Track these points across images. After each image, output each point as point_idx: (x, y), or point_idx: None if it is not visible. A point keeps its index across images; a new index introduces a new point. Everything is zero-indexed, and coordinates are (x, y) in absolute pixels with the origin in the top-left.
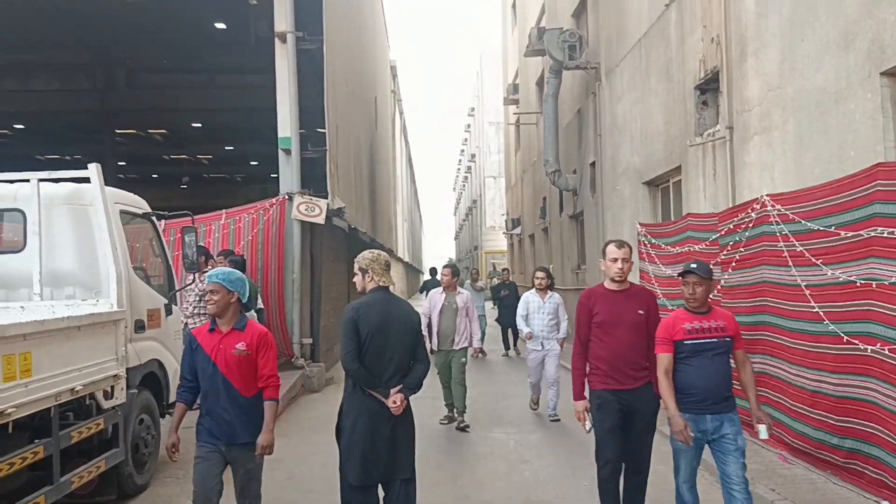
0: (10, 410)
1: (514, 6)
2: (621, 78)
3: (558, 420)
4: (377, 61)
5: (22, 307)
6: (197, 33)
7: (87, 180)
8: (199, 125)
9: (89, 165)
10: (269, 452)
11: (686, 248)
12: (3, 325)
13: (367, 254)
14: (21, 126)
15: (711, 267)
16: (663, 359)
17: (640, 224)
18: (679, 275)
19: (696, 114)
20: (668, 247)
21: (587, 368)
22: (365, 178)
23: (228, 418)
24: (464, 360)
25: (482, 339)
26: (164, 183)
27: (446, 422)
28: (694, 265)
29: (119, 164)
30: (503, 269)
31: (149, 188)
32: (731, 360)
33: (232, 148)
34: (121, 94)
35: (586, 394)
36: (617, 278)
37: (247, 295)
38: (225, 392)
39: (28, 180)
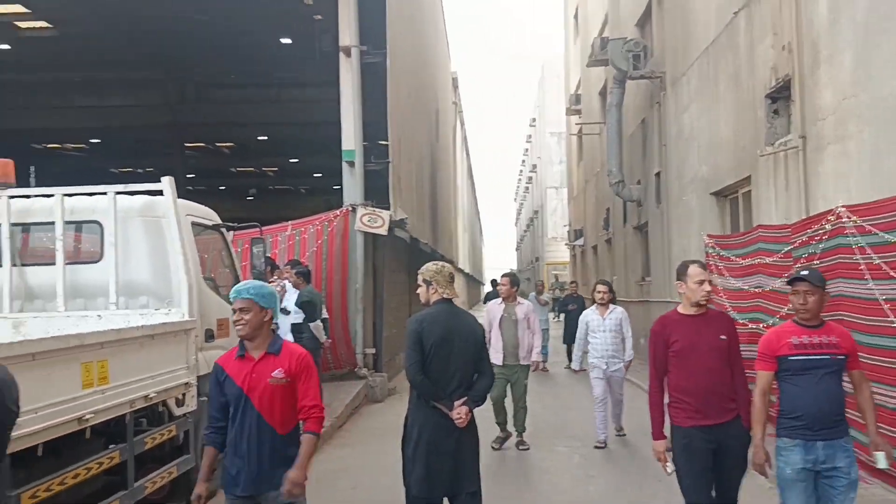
0: (88, 416)
1: (576, 17)
2: (688, 87)
3: (624, 435)
4: (438, 73)
5: (99, 316)
6: (263, 49)
7: (160, 193)
8: (265, 138)
9: (162, 178)
10: (297, 493)
11: (756, 261)
12: (83, 334)
13: (430, 265)
14: (97, 140)
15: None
16: (763, 377)
17: (708, 235)
18: (787, 283)
19: (766, 123)
20: (738, 259)
21: (666, 402)
22: (426, 189)
23: (263, 462)
24: (526, 381)
25: (545, 355)
26: (231, 195)
27: (497, 445)
28: (805, 272)
29: (188, 176)
30: (571, 282)
31: (216, 200)
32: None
33: (296, 160)
34: (191, 109)
35: (666, 431)
36: (703, 301)
37: (278, 313)
38: (258, 430)
39: (105, 193)
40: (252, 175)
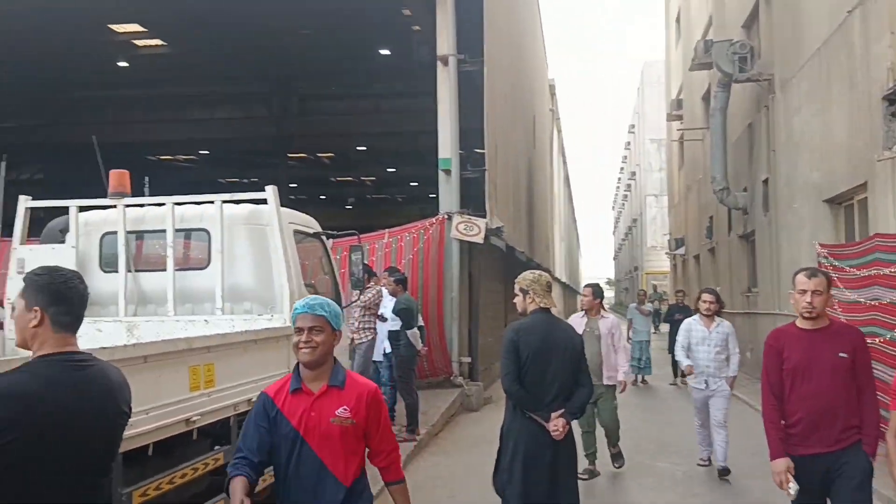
0: (195, 418)
1: (678, 20)
2: (798, 89)
3: (728, 473)
4: (536, 81)
5: (206, 320)
6: (363, 61)
7: (264, 202)
8: (364, 148)
9: (266, 188)
10: None
11: (873, 271)
12: (191, 338)
13: (528, 274)
14: (206, 152)
15: None
16: None
17: (820, 245)
18: None
19: (883, 126)
20: (853, 269)
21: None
22: (523, 197)
23: None
24: (615, 403)
25: (647, 367)
26: (330, 203)
27: (587, 476)
28: None
29: (290, 185)
30: (677, 291)
31: (316, 209)
32: None
33: (394, 169)
34: (294, 121)
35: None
36: (805, 314)
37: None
38: (317, 480)
39: (212, 202)
40: (351, 184)
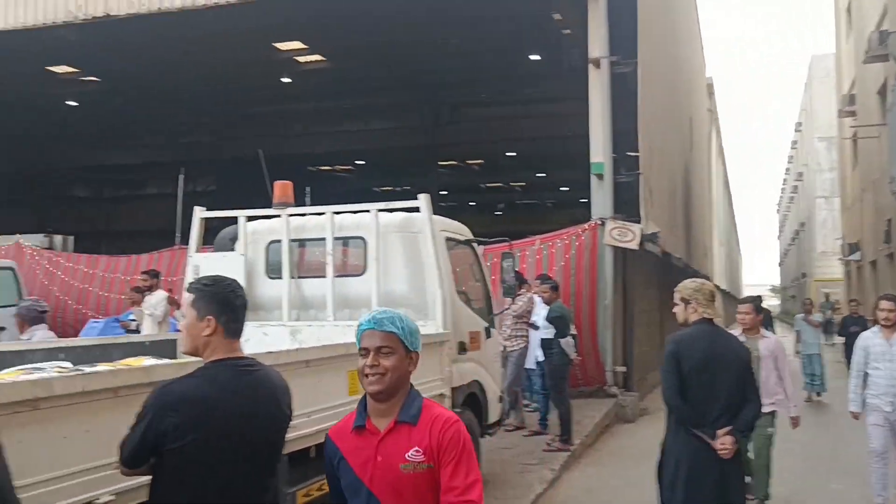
0: None
1: (848, 10)
2: None
3: None
4: (692, 80)
5: None
6: (513, 67)
7: (417, 210)
8: (514, 154)
9: (419, 196)
10: None
11: None
12: (349, 343)
13: (689, 283)
14: (362, 162)
15: None
16: None
17: None
18: None
19: None
20: None
21: None
22: (679, 201)
23: None
24: (770, 430)
25: (821, 384)
26: (479, 210)
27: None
28: None
29: (441, 193)
30: (850, 300)
31: (466, 215)
32: None
33: (544, 175)
34: (445, 129)
35: None
36: None
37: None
38: None
39: (368, 211)
40: (500, 190)
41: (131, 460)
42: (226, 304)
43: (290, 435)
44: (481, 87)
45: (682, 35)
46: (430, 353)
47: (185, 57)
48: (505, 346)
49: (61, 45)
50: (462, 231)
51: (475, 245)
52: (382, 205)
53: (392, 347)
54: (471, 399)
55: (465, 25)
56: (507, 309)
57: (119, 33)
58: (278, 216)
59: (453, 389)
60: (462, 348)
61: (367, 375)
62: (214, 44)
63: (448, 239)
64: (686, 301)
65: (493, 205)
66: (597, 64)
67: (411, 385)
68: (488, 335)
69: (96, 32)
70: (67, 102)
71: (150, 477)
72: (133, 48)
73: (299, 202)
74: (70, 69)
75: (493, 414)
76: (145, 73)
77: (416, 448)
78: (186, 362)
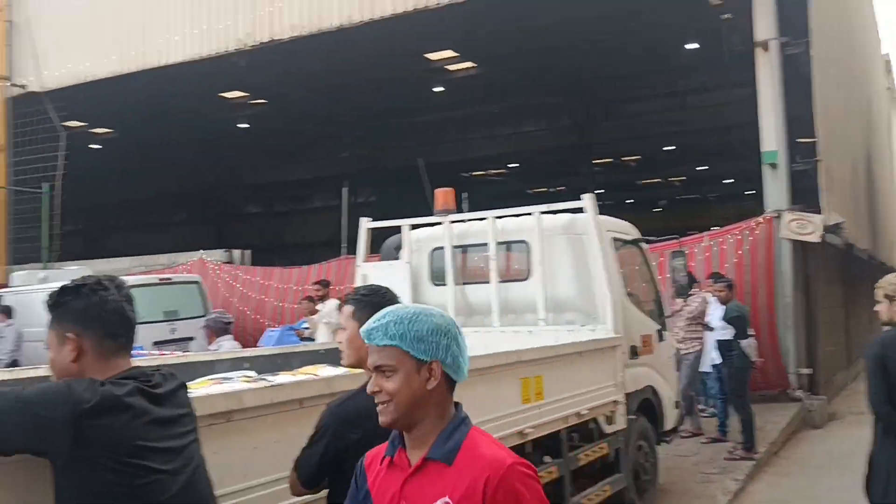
0: (528, 430)
1: None
2: None
3: None
4: (868, 58)
5: (529, 331)
6: (668, 59)
7: (580, 210)
8: (672, 148)
9: (583, 196)
10: None
11: None
12: (521, 350)
13: (892, 278)
14: (515, 165)
15: None
16: None
17: None
18: None
19: None
20: None
21: None
22: (861, 188)
23: None
24: None
25: None
26: (637, 207)
27: None
28: None
29: (596, 192)
30: None
31: (623, 213)
32: None
33: (705, 168)
34: (598, 127)
35: None
36: None
37: (463, 364)
38: None
39: (530, 214)
40: (658, 186)
41: (311, 479)
42: None
43: None
44: (635, 81)
45: (855, 11)
46: (603, 359)
47: (343, 73)
48: (678, 349)
49: (232, 72)
50: (628, 230)
51: (642, 244)
52: (545, 207)
53: (393, 365)
54: (645, 405)
55: (616, 21)
56: (679, 311)
57: (283, 56)
58: (440, 223)
59: (627, 395)
60: (634, 352)
61: (378, 406)
62: (369, 58)
63: (614, 239)
64: (891, 298)
65: (651, 201)
66: (765, 47)
67: (458, 406)
68: (661, 338)
69: (263, 57)
70: (238, 125)
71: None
72: (295, 69)
73: (456, 208)
74: (240, 94)
75: (670, 420)
76: (307, 92)
77: (446, 499)
78: (357, 373)
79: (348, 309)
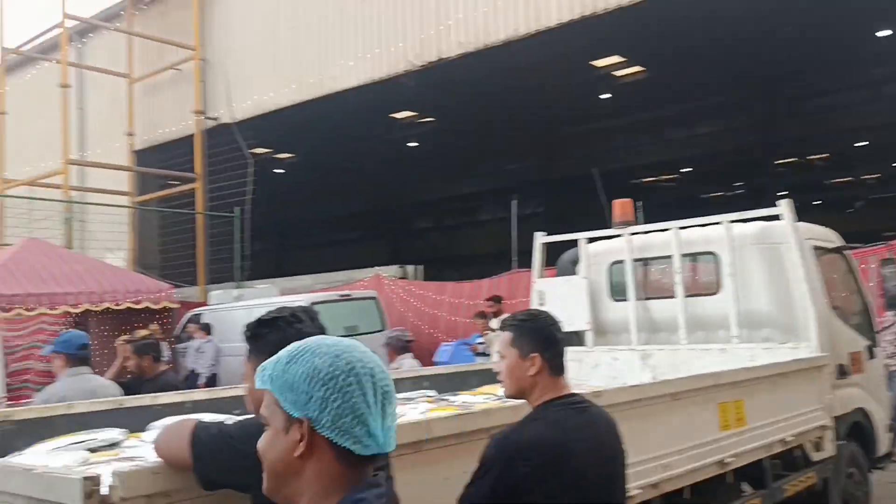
0: (728, 460)
1: None
2: None
3: None
4: None
5: (722, 349)
6: (856, 49)
7: (775, 217)
8: (864, 144)
9: (780, 202)
10: None
11: None
12: (718, 373)
13: None
14: (688, 169)
15: None
16: None
17: None
18: None
19: None
20: None
21: None
22: None
23: None
24: None
25: None
26: (826, 209)
27: None
28: None
29: (779, 194)
30: None
31: (811, 216)
32: None
33: None
34: (780, 125)
35: None
36: None
37: (357, 427)
38: None
39: (718, 223)
40: (848, 185)
41: None
42: (549, 338)
43: (664, 475)
44: (820, 74)
45: None
46: (808, 380)
47: (508, 86)
48: (888, 366)
49: (402, 92)
50: (830, 237)
51: (846, 252)
52: (735, 216)
53: (266, 417)
54: (855, 429)
55: (797, 12)
56: (889, 326)
57: (450, 74)
58: (618, 236)
59: (835, 419)
60: (842, 372)
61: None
62: (534, 70)
63: (815, 247)
64: None
65: (842, 202)
66: None
67: (366, 483)
68: (871, 355)
69: (430, 76)
70: (408, 144)
71: None
72: (462, 85)
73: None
74: (409, 113)
75: (883, 445)
76: (473, 107)
77: None
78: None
79: (507, 336)
